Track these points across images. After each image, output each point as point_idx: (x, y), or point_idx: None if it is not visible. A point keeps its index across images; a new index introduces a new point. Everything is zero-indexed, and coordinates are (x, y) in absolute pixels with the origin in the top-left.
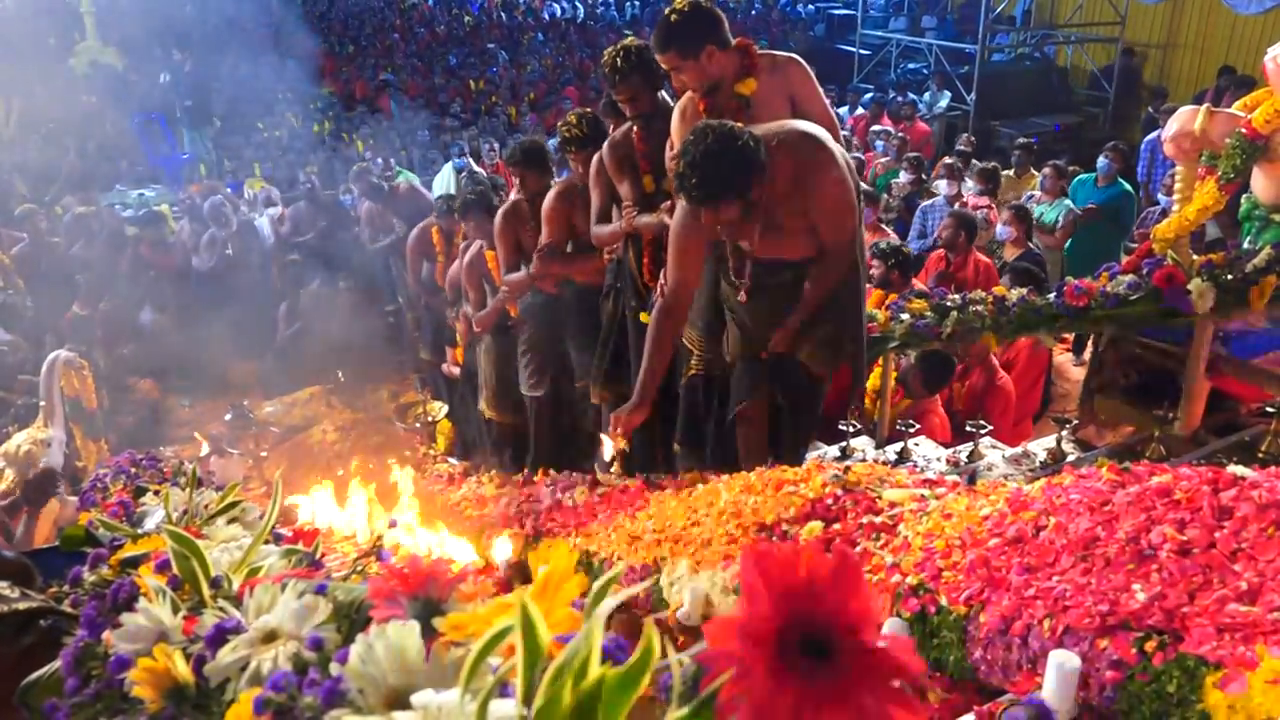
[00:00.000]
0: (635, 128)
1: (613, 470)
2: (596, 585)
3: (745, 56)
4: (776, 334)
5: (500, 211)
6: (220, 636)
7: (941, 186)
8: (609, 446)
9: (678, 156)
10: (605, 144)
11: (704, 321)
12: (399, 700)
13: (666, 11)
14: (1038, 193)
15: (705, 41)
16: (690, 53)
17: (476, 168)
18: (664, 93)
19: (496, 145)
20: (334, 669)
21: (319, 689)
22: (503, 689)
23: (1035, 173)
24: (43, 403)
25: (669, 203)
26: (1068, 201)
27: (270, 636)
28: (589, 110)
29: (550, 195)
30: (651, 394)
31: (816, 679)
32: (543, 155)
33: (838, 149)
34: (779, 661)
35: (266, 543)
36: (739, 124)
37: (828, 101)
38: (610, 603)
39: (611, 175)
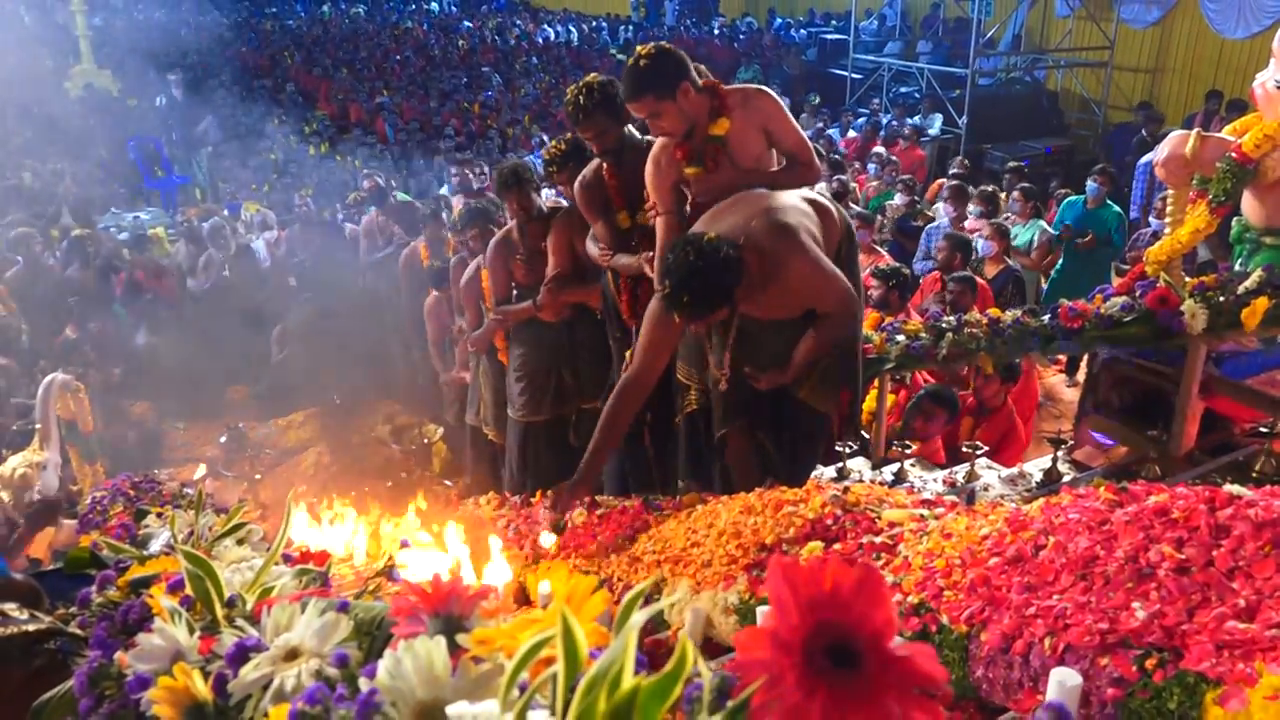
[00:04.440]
0: (605, 165)
1: (545, 546)
2: (626, 599)
3: (714, 97)
4: (768, 374)
5: (492, 242)
6: (242, 654)
7: (944, 210)
8: (547, 536)
9: (663, 276)
10: (576, 183)
11: (700, 356)
12: (428, 714)
13: (631, 61)
14: (1011, 215)
15: (680, 79)
16: (667, 93)
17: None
18: (632, 127)
19: (486, 169)
20: (363, 684)
21: (352, 703)
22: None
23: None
24: (38, 426)
25: (649, 254)
26: (1041, 223)
27: (292, 654)
28: (570, 134)
29: (555, 224)
30: (597, 471)
31: (843, 686)
32: (521, 177)
33: (807, 222)
34: (807, 669)
35: (276, 564)
36: (711, 233)
37: (800, 129)
38: (641, 616)
39: (584, 214)
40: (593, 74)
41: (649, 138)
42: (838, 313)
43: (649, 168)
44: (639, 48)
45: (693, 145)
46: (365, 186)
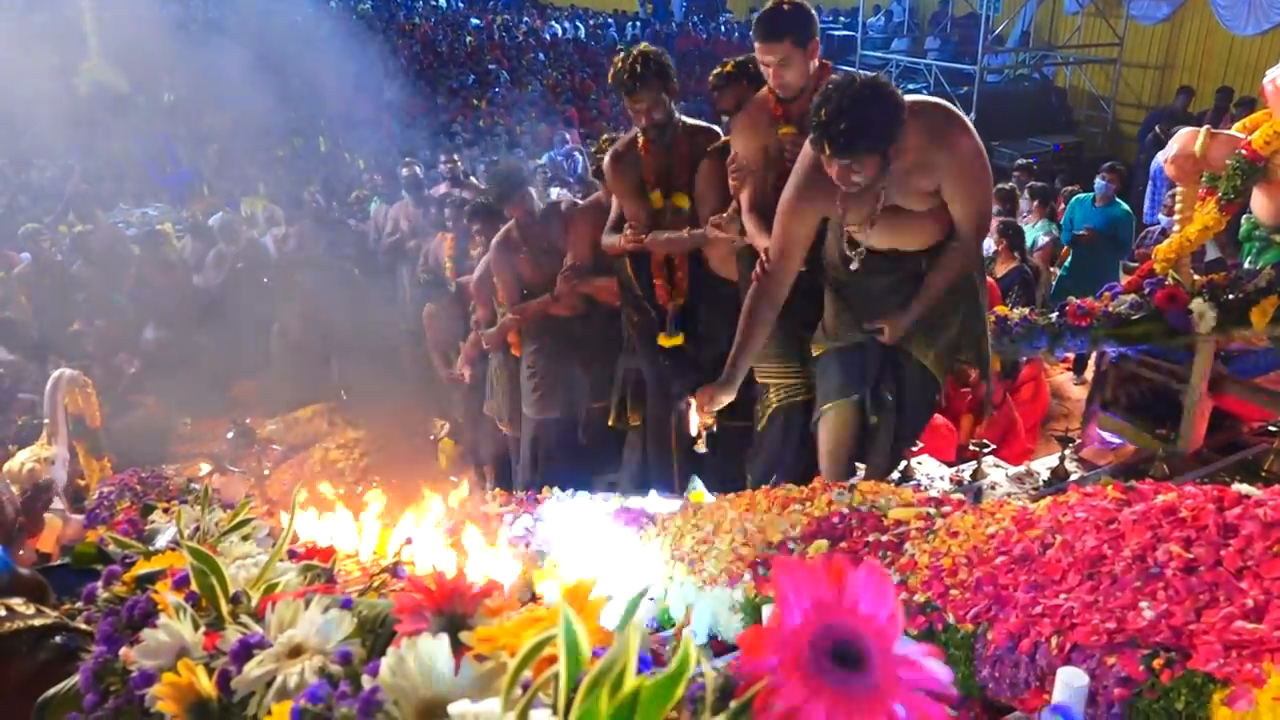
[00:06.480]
0: (643, 139)
1: (699, 449)
2: (630, 598)
3: (823, 71)
4: (892, 321)
5: (493, 243)
6: (245, 651)
7: None
8: (695, 424)
9: (818, 107)
10: (608, 154)
11: (785, 348)
12: (430, 712)
13: (771, 6)
14: (1025, 214)
15: (816, 33)
16: (802, 41)
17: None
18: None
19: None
20: (366, 681)
21: (354, 700)
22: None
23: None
24: (46, 421)
25: (717, 217)
26: (1045, 222)
27: (296, 651)
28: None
29: (576, 216)
30: (741, 375)
31: (848, 687)
32: (515, 178)
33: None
34: (812, 670)
35: (281, 560)
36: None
37: None
38: (644, 616)
39: (613, 189)
40: (644, 44)
41: (698, 122)
42: (967, 227)
43: (741, 121)
44: None
45: (792, 107)
46: (403, 174)
